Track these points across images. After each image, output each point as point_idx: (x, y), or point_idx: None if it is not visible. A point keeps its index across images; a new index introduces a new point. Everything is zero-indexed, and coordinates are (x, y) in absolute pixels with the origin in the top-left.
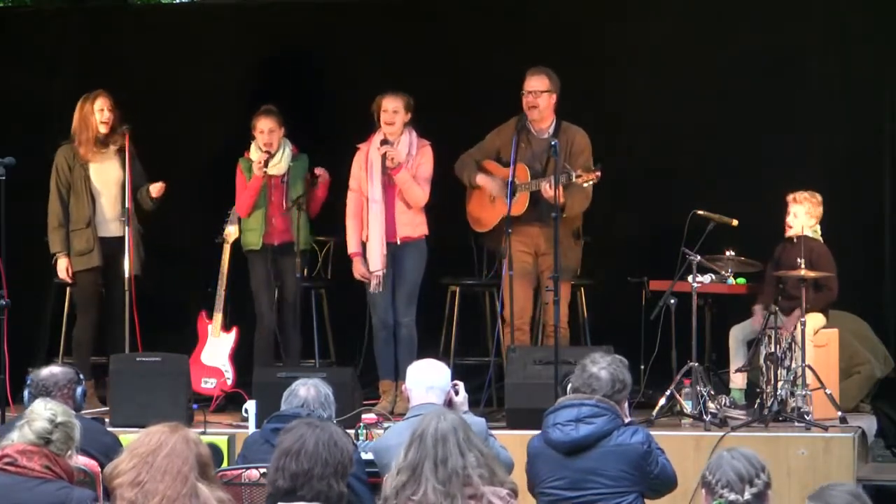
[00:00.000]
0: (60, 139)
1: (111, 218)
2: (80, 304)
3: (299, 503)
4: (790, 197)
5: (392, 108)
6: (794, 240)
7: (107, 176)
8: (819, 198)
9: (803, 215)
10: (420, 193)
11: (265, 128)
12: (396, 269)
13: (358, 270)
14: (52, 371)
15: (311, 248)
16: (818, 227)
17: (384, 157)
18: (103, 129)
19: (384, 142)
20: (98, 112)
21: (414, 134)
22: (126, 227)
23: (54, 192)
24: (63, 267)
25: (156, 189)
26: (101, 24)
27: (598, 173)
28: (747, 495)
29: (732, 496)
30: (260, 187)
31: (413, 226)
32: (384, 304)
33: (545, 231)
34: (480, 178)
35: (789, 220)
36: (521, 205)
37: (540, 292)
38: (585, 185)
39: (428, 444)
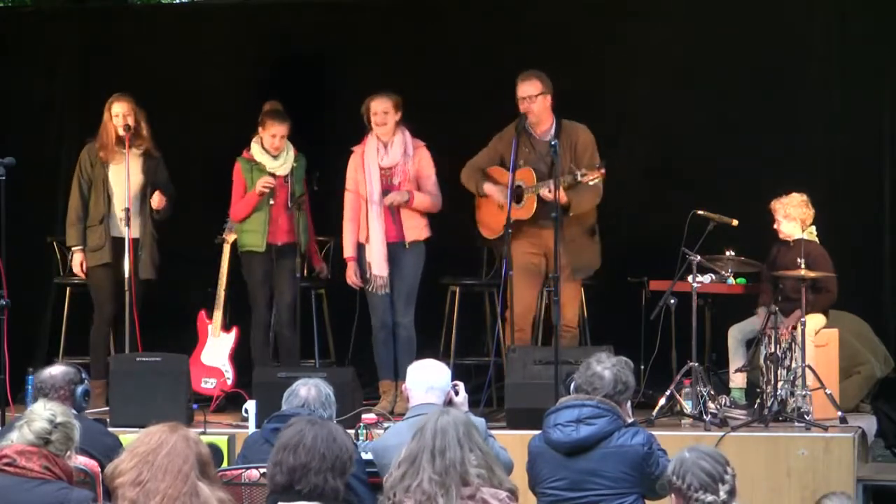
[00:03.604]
0: (62, 139)
1: (123, 218)
2: (96, 302)
3: (297, 501)
4: (772, 204)
5: (382, 110)
6: (791, 243)
7: (122, 177)
8: (803, 198)
9: (789, 218)
10: (436, 201)
11: (278, 133)
12: (396, 269)
13: (350, 278)
14: (51, 372)
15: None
16: (813, 229)
17: (393, 194)
18: (121, 132)
19: (385, 192)
20: (114, 117)
21: (407, 134)
22: (127, 228)
23: (75, 188)
24: (78, 261)
25: (154, 201)
26: (101, 24)
27: (603, 171)
28: (723, 494)
29: (710, 498)
30: (256, 203)
31: (419, 229)
32: (383, 304)
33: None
34: (488, 188)
35: (777, 226)
36: (529, 208)
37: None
38: (591, 182)
39: (427, 436)
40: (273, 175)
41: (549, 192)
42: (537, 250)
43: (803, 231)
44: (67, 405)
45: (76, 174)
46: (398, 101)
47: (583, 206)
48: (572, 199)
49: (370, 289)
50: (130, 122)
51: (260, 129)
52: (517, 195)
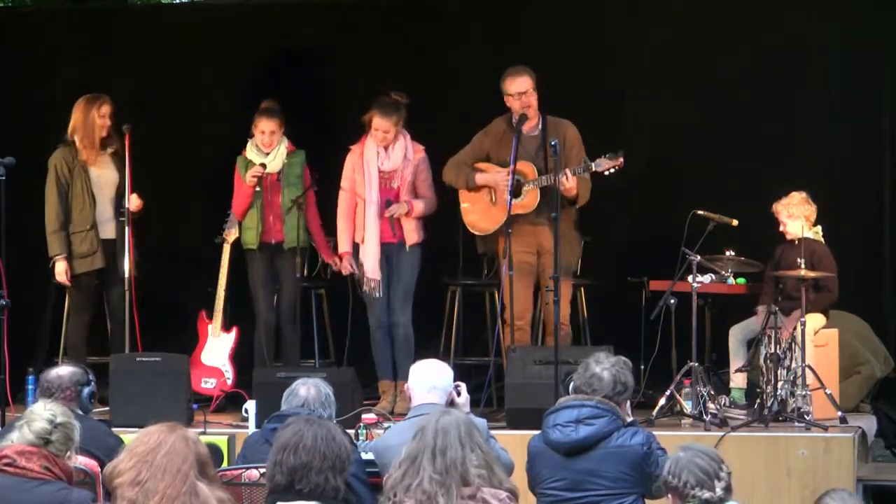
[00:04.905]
0: (59, 140)
1: (108, 219)
2: (77, 306)
3: (298, 500)
4: (774, 207)
5: (384, 129)
6: (795, 242)
7: (104, 178)
8: (803, 195)
9: (793, 218)
10: (432, 205)
11: (266, 129)
12: (393, 269)
13: (345, 268)
14: (58, 373)
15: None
16: (819, 228)
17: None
18: (104, 134)
19: (388, 203)
20: (101, 118)
21: (408, 138)
22: (126, 228)
23: (53, 194)
24: (61, 270)
25: (133, 203)
26: (101, 24)
27: (621, 160)
28: (719, 491)
29: (706, 494)
30: (251, 194)
31: (417, 231)
32: (380, 304)
33: (550, 229)
34: (481, 178)
35: (783, 228)
36: (530, 201)
37: (540, 291)
38: (607, 173)
39: (428, 436)
40: (263, 165)
41: (567, 179)
42: (531, 248)
43: (809, 229)
44: (73, 406)
45: (53, 181)
46: (400, 114)
47: (585, 197)
48: (580, 191)
49: (364, 289)
50: (111, 123)
51: (252, 127)
52: (516, 189)
